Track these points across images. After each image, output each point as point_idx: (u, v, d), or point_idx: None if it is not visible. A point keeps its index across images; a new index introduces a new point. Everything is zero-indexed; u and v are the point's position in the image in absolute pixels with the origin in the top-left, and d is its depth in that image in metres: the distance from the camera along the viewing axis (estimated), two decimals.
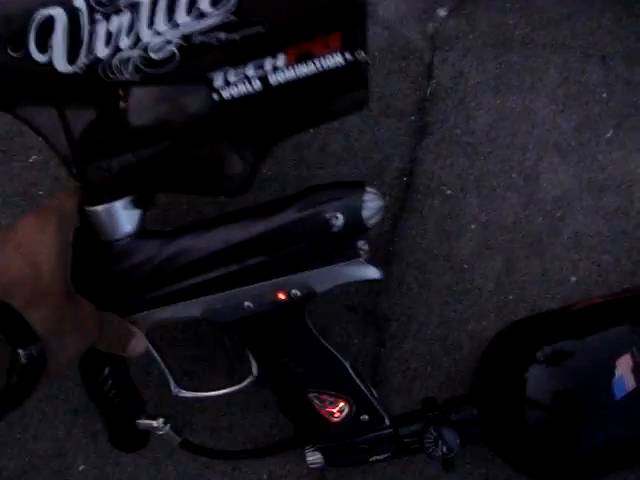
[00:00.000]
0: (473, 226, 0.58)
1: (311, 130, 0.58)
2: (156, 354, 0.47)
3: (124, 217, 0.42)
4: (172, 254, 0.43)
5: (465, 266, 0.57)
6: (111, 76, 0.38)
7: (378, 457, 0.50)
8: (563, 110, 0.59)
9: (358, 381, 0.49)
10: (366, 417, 0.49)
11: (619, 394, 0.46)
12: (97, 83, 0.38)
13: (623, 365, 0.46)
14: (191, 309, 0.45)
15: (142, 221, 0.44)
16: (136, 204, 0.43)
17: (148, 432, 0.49)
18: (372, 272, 0.44)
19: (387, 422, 0.50)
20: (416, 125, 0.59)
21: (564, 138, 0.59)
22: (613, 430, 0.47)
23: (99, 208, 0.42)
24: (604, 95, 0.59)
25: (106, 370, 0.46)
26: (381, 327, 0.57)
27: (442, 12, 0.61)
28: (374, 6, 0.60)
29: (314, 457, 0.51)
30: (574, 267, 0.57)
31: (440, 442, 0.48)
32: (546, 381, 0.47)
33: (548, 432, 0.47)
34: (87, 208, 0.42)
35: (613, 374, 0.46)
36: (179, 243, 0.43)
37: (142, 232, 0.43)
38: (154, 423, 0.48)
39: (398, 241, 0.58)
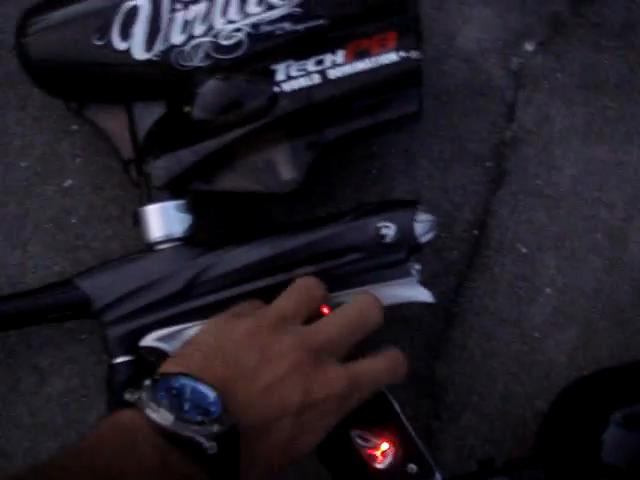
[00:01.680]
0: (548, 290, 0.53)
1: (374, 171, 0.53)
2: None
3: (175, 219, 0.43)
4: (215, 262, 0.43)
5: (536, 335, 0.52)
6: (182, 63, 0.42)
7: None
8: None
9: (406, 422, 0.45)
10: (414, 467, 0.44)
11: None
12: (169, 71, 0.42)
13: None
14: None
15: (192, 228, 0.44)
16: (189, 209, 0.44)
17: None
18: (424, 295, 0.44)
19: (439, 478, 0.45)
20: (492, 172, 0.53)
21: None
22: None
23: (152, 207, 0.43)
24: None
25: None
26: (437, 396, 0.52)
27: (529, 46, 0.55)
28: (451, 36, 0.54)
29: None
30: None
31: None
32: (624, 446, 0.43)
33: None
34: (140, 209, 0.44)
35: None
36: (224, 251, 0.43)
37: (189, 239, 0.44)
38: None
39: (463, 302, 0.52)
